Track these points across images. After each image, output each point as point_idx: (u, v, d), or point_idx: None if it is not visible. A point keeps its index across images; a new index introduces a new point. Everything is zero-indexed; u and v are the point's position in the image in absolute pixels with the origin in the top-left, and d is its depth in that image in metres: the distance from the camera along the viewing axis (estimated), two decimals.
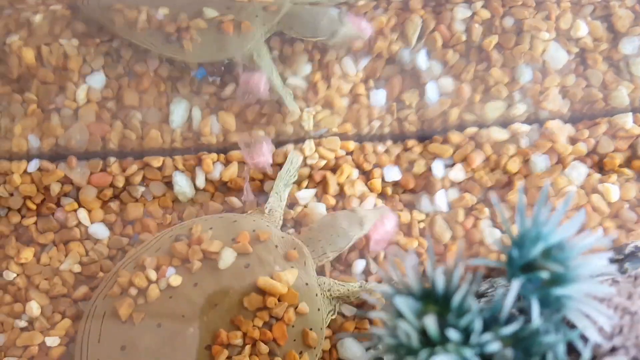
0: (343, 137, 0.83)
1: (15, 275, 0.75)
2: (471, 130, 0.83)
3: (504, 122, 0.83)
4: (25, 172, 0.79)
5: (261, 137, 0.80)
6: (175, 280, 0.67)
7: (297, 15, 0.79)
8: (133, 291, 0.67)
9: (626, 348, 0.36)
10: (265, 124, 0.83)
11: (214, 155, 0.81)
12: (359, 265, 0.77)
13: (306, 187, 0.81)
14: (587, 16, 0.85)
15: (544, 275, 0.34)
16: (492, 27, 0.85)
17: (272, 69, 0.80)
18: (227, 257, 0.67)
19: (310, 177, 0.80)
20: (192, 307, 0.64)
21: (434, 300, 0.34)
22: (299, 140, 0.83)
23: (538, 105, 0.84)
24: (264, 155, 0.79)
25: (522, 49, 0.84)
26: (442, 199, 0.80)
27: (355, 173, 0.81)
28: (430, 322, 0.32)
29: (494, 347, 0.31)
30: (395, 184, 0.82)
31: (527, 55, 0.84)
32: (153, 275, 0.68)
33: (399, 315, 0.33)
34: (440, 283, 0.33)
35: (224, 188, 0.81)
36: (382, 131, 0.84)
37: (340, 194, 0.81)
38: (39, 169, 0.80)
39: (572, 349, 0.36)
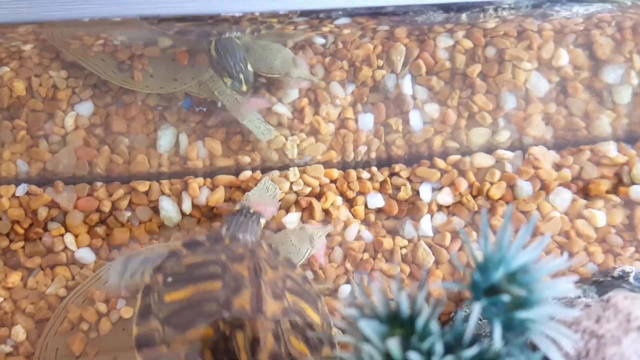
0: (327, 164, 0.85)
1: (2, 299, 0.76)
2: (455, 157, 0.84)
3: (489, 149, 0.84)
4: (13, 196, 0.80)
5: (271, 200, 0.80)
6: (127, 312, 0.69)
7: (253, 51, 0.80)
8: (84, 326, 0.69)
9: None
10: (250, 150, 0.84)
11: (200, 180, 0.83)
12: (345, 290, 0.78)
13: (293, 212, 0.81)
14: (569, 44, 0.87)
15: (506, 298, 0.34)
16: (475, 55, 0.86)
17: (236, 102, 0.81)
18: None
19: (296, 202, 0.81)
20: None
21: (399, 323, 0.34)
22: (283, 167, 0.84)
23: (522, 132, 0.85)
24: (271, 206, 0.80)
25: (505, 77, 0.85)
26: (427, 224, 0.81)
27: (339, 200, 0.82)
28: (394, 345, 0.32)
29: None
30: (379, 211, 0.83)
31: (510, 83, 0.85)
32: (103, 308, 0.70)
33: (365, 338, 0.34)
34: (404, 306, 0.34)
35: (210, 213, 0.82)
36: (368, 156, 0.85)
37: (326, 219, 0.81)
38: (27, 193, 0.81)
39: None
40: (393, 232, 0.82)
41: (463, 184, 0.82)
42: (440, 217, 0.82)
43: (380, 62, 0.87)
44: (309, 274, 0.77)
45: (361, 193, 0.83)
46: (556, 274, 0.57)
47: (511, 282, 0.36)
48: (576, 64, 0.87)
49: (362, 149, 0.85)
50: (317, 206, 0.81)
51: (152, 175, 0.83)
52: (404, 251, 0.80)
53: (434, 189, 0.83)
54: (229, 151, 0.85)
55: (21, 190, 0.81)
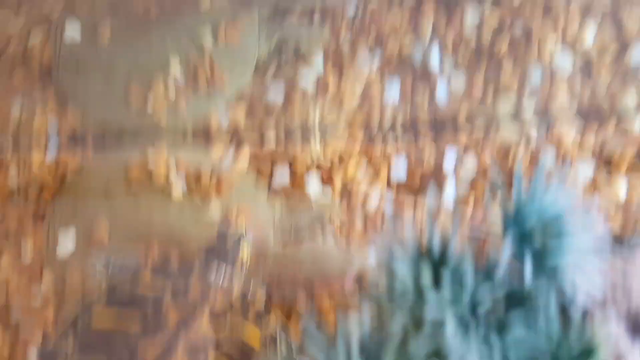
0: (350, 134, 0.85)
1: None
2: (479, 129, 0.85)
3: (513, 122, 0.85)
4: None
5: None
6: None
7: None
8: None
9: (618, 312, 0.38)
10: (275, 121, 0.85)
11: (226, 147, 0.84)
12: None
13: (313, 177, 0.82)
14: (596, 20, 0.87)
15: (537, 244, 0.35)
16: (502, 30, 0.87)
17: None
18: None
19: (317, 167, 0.82)
20: None
21: (430, 260, 0.36)
22: (306, 139, 0.84)
23: (546, 106, 0.85)
24: None
25: (530, 52, 0.86)
26: (450, 195, 0.82)
27: (361, 171, 0.83)
28: (425, 276, 0.33)
29: (486, 303, 0.33)
30: (402, 183, 0.83)
31: (536, 58, 0.85)
32: None
33: (395, 276, 0.35)
34: (436, 242, 0.35)
35: None
36: (393, 127, 0.86)
37: (347, 191, 0.82)
38: None
39: (563, 314, 0.37)
40: (415, 203, 0.82)
41: (487, 157, 0.83)
42: (463, 189, 0.83)
43: (408, 33, 0.87)
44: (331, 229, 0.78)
45: (384, 165, 0.84)
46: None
47: (543, 229, 0.37)
48: (602, 39, 0.87)
49: (387, 118, 0.86)
50: (339, 176, 0.82)
51: (180, 141, 0.84)
52: (425, 226, 0.81)
53: (457, 161, 0.84)
54: (252, 121, 0.86)
55: (52, 154, 0.83)
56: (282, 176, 0.83)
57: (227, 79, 0.85)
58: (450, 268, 0.34)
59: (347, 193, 0.83)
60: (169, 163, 0.80)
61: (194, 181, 0.78)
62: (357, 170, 0.83)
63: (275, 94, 0.86)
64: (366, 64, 0.87)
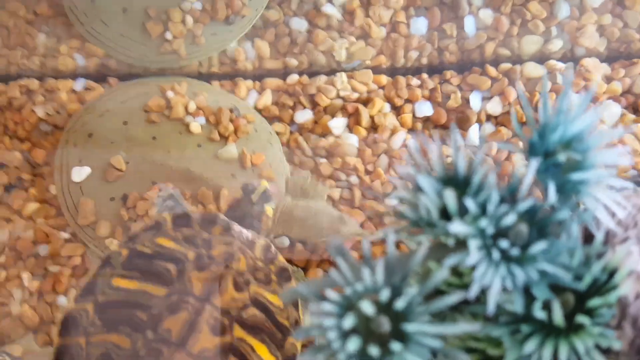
0: (376, 70, 0.85)
1: None
2: (506, 65, 0.84)
3: (540, 58, 0.84)
4: (72, 90, 0.83)
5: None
6: None
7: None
8: None
9: (638, 233, 0.38)
10: (298, 53, 0.85)
11: (250, 82, 0.84)
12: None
13: (339, 117, 0.82)
14: None
15: (562, 158, 0.36)
16: None
17: None
18: None
19: (343, 108, 0.82)
20: None
21: (455, 183, 0.36)
22: (330, 72, 0.85)
23: (574, 42, 0.85)
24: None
25: None
26: (475, 134, 0.81)
27: (387, 107, 0.83)
28: (450, 196, 0.34)
29: (509, 219, 0.33)
30: (427, 120, 0.83)
31: None
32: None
33: (421, 193, 0.35)
34: (462, 165, 0.35)
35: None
36: (419, 62, 0.86)
37: (372, 126, 0.82)
38: (85, 88, 0.84)
39: (586, 236, 0.38)
40: (441, 136, 0.82)
41: (513, 94, 0.82)
42: (489, 127, 0.83)
43: None
44: (354, 179, 0.79)
45: (409, 101, 0.84)
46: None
47: (567, 148, 0.37)
48: None
49: (413, 54, 0.86)
50: (364, 113, 0.82)
51: (203, 76, 0.85)
52: (449, 159, 0.81)
53: (483, 98, 0.83)
54: (276, 53, 0.86)
55: (80, 84, 0.84)
56: (304, 112, 0.83)
57: (247, 3, 0.84)
58: (474, 191, 0.35)
59: (372, 128, 0.83)
60: (189, 96, 0.80)
61: (213, 116, 0.78)
62: (384, 104, 0.83)
63: (299, 21, 0.86)
64: None
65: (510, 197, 0.35)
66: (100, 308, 0.57)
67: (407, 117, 0.83)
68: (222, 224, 0.63)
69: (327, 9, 0.86)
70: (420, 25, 0.86)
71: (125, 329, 0.55)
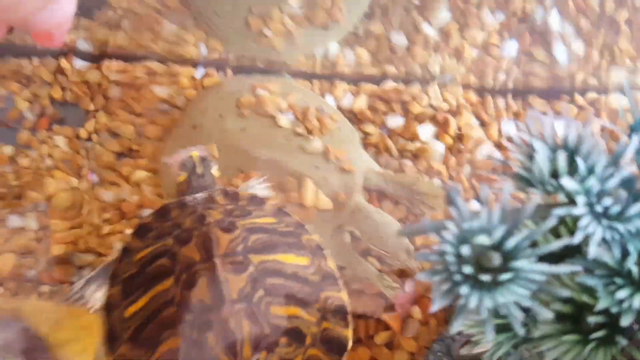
0: (465, 87, 0.91)
1: None
2: (592, 95, 0.89)
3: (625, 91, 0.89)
4: (192, 77, 0.93)
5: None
6: None
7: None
8: None
9: None
10: (395, 62, 0.92)
11: (346, 85, 0.91)
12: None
13: (428, 125, 0.88)
14: None
15: None
16: (624, 2, 0.91)
17: None
18: None
19: (432, 117, 0.88)
20: None
21: (565, 152, 0.42)
22: (425, 83, 0.91)
23: None
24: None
25: None
26: None
27: (474, 120, 0.89)
28: (562, 157, 0.40)
29: (613, 181, 0.39)
30: (510, 139, 0.88)
31: None
32: None
33: (535, 163, 0.41)
34: (572, 135, 0.41)
35: (353, 119, 0.89)
36: (506, 85, 0.91)
37: (459, 137, 0.88)
38: (204, 76, 0.93)
39: None
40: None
41: (596, 124, 0.87)
42: None
43: None
44: (437, 182, 0.84)
45: (496, 119, 0.89)
46: None
47: None
48: None
49: (502, 76, 0.92)
50: (453, 122, 0.88)
51: (304, 74, 0.92)
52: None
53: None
54: (376, 61, 0.93)
55: (200, 72, 0.93)
56: (395, 117, 0.89)
57: (345, 13, 0.93)
58: (583, 156, 0.40)
59: (458, 139, 0.88)
60: (280, 95, 0.88)
61: (301, 114, 0.86)
62: (472, 118, 0.89)
63: (398, 36, 0.94)
64: (489, 19, 0.93)
65: (613, 164, 0.40)
66: (134, 340, 0.58)
67: (493, 132, 0.88)
68: (174, 206, 0.67)
69: (426, 28, 0.93)
70: (511, 48, 0.93)
71: (166, 332, 0.57)
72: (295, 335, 0.58)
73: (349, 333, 0.61)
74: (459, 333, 0.62)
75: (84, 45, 0.94)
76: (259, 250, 0.61)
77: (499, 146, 0.88)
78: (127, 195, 0.84)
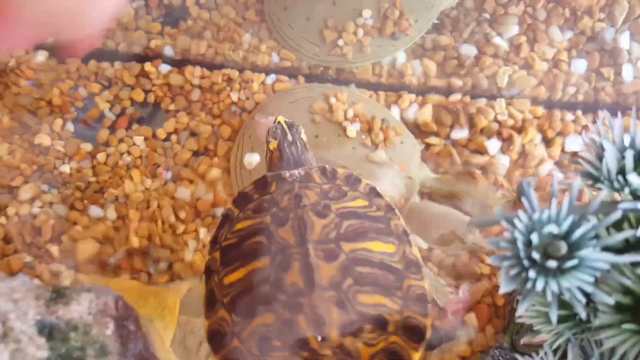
0: (534, 101, 0.93)
1: None
2: None
3: None
4: (263, 82, 0.98)
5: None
6: None
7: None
8: None
9: None
10: (464, 75, 0.95)
11: (412, 96, 0.94)
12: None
13: (494, 140, 0.90)
14: None
15: None
16: None
17: None
18: None
19: (498, 132, 0.90)
20: None
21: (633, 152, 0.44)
22: (491, 97, 0.93)
23: None
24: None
25: None
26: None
27: (538, 138, 0.90)
28: (630, 155, 0.42)
29: None
30: (574, 154, 0.90)
31: None
32: None
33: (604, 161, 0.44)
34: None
35: (416, 131, 0.92)
36: (575, 98, 0.93)
37: (522, 153, 0.89)
38: (275, 81, 0.98)
39: None
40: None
41: None
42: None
43: (602, 15, 0.95)
44: (499, 194, 0.86)
45: (561, 134, 0.91)
46: None
47: None
48: None
49: (571, 89, 0.93)
50: (517, 140, 0.90)
51: (372, 85, 0.96)
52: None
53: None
54: (442, 73, 0.96)
55: (270, 79, 0.98)
56: (461, 130, 0.92)
57: (413, 24, 0.97)
58: None
59: (523, 154, 0.90)
60: (348, 104, 0.91)
61: (366, 124, 0.89)
62: (536, 135, 0.90)
63: (466, 48, 0.97)
64: (558, 36, 0.96)
65: None
66: (231, 307, 0.63)
67: (556, 151, 0.90)
68: (274, 179, 0.69)
69: (497, 40, 0.96)
70: (580, 65, 0.95)
71: (261, 307, 0.61)
72: (379, 322, 0.61)
73: (428, 322, 0.63)
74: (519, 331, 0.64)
75: (169, 52, 1.01)
76: (350, 238, 0.64)
77: (559, 165, 0.89)
78: (202, 194, 0.89)
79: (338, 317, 0.60)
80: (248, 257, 0.63)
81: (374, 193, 0.70)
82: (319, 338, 0.59)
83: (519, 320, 0.49)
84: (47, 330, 0.55)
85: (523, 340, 0.62)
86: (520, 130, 0.91)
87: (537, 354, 0.50)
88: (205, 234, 0.85)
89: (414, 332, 0.63)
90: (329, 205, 0.66)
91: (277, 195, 0.68)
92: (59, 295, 0.57)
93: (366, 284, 0.62)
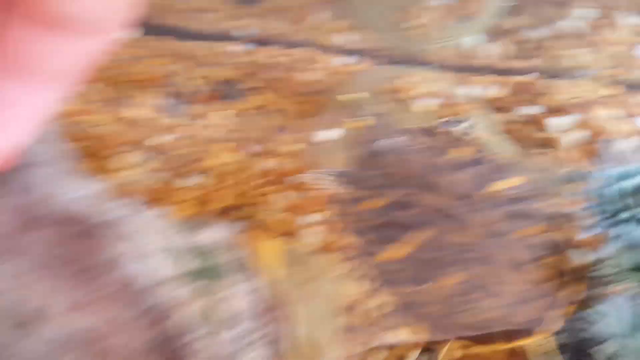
0: (605, 80, 0.95)
1: None
2: None
3: None
4: None
5: None
6: None
7: None
8: None
9: None
10: (539, 56, 0.98)
11: (484, 77, 0.98)
12: None
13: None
14: None
15: None
16: None
17: None
18: None
19: (569, 110, 0.93)
20: None
21: None
22: (564, 76, 0.96)
23: None
24: None
25: None
26: None
27: (611, 116, 0.92)
28: None
29: None
30: None
31: None
32: None
33: None
34: None
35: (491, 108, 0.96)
36: None
37: (594, 131, 0.92)
38: None
39: None
40: None
41: None
42: None
43: None
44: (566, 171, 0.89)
45: (632, 114, 0.93)
46: None
47: None
48: None
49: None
50: (589, 116, 0.92)
51: (449, 67, 1.00)
52: None
53: None
54: (516, 53, 1.00)
55: (347, 60, 1.03)
56: (533, 107, 0.95)
57: (490, 6, 1.00)
58: None
59: (593, 133, 0.92)
60: (422, 85, 0.95)
61: (440, 107, 0.93)
62: (608, 113, 0.93)
63: (541, 29, 1.00)
64: (634, 19, 0.98)
65: None
66: None
67: (628, 127, 0.92)
68: None
69: (571, 22, 0.99)
70: None
71: None
72: None
73: None
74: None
75: (250, 31, 1.07)
76: None
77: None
78: (285, 166, 0.94)
79: None
80: None
81: None
82: None
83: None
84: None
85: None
86: (592, 107, 0.94)
87: None
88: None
89: None
90: None
91: None
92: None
93: None
